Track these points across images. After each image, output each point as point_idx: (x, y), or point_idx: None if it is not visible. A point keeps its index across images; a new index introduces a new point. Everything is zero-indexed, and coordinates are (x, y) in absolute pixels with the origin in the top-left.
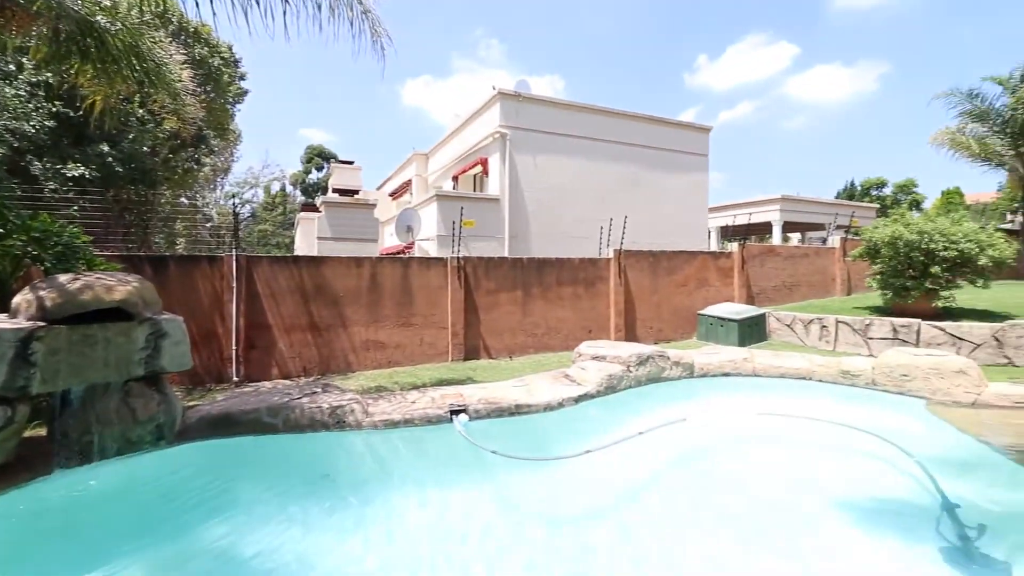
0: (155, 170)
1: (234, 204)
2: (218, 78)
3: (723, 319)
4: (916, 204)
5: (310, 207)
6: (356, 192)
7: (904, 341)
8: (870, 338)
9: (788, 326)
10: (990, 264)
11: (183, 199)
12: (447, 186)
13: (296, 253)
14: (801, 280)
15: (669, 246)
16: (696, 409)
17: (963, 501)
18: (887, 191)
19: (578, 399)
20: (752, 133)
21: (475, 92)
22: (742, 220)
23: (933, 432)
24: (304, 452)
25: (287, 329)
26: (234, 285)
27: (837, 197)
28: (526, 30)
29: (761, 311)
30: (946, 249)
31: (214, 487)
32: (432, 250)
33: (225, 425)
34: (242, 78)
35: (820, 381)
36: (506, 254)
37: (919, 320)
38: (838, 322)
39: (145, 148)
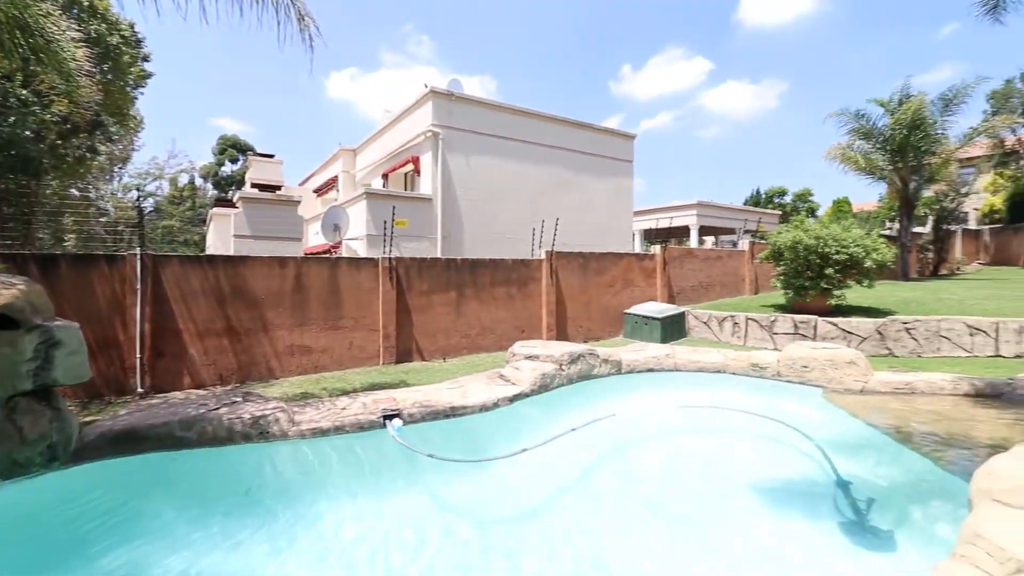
0: (40, 158)
1: (138, 197)
2: (117, 58)
3: (647, 317)
4: (812, 211)
5: (225, 202)
6: (278, 188)
7: (804, 335)
8: (775, 333)
9: (705, 323)
10: (874, 266)
11: (74, 190)
12: (377, 184)
13: (209, 252)
14: (715, 280)
15: (597, 248)
16: (625, 404)
17: (855, 479)
18: (788, 199)
19: (513, 399)
20: (671, 141)
21: (405, 88)
22: (664, 224)
23: (829, 417)
24: (224, 467)
25: (200, 335)
26: (139, 287)
27: (745, 203)
28: (458, 29)
29: (681, 309)
30: (838, 253)
31: (122, 511)
32: (361, 250)
33: (130, 442)
34: (146, 59)
35: (733, 374)
36: (439, 255)
37: (816, 316)
38: (748, 319)
39: (28, 133)
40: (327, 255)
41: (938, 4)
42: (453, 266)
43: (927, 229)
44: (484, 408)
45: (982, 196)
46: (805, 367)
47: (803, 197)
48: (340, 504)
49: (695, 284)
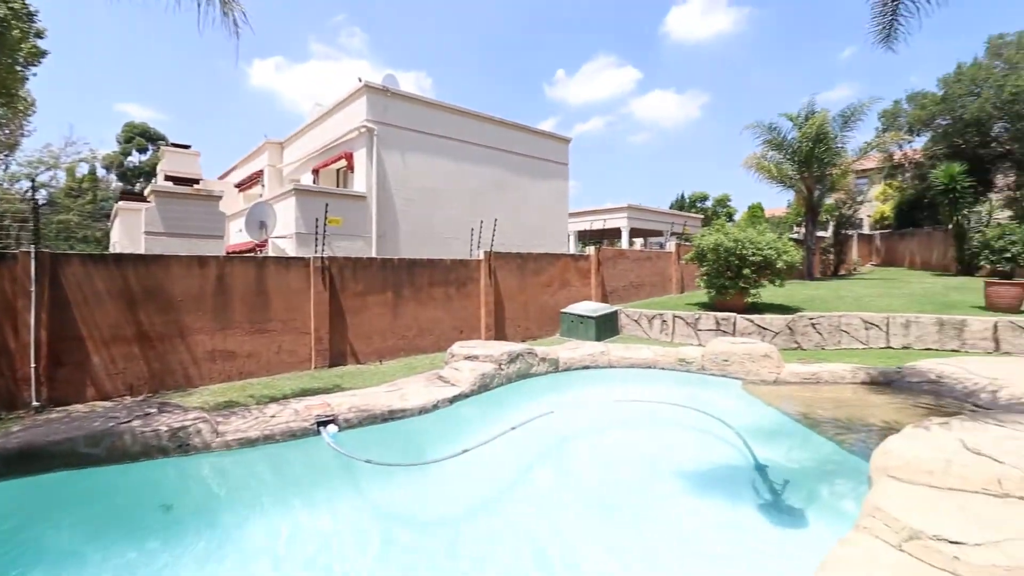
0: None
1: (30, 188)
2: (4, 32)
3: (583, 316)
4: (730, 216)
5: (134, 196)
6: (196, 181)
7: (725, 332)
8: (699, 330)
9: (636, 321)
10: (785, 267)
11: None
12: (306, 180)
13: (116, 250)
14: (645, 280)
15: (534, 248)
16: (562, 401)
17: (771, 462)
18: (709, 203)
19: (453, 400)
20: (603, 145)
21: (336, 81)
22: (597, 225)
23: (747, 407)
24: (140, 485)
25: (107, 341)
26: (32, 289)
27: (671, 207)
28: (392, 23)
29: (614, 308)
30: (754, 255)
31: (19, 539)
32: (290, 249)
33: (27, 461)
34: (39, 35)
35: (662, 369)
36: (374, 254)
37: (735, 313)
38: (675, 317)
39: None
40: (252, 254)
41: (839, 28)
42: (390, 266)
43: (828, 233)
44: (424, 410)
45: (874, 204)
46: (726, 361)
47: (722, 202)
48: (273, 517)
49: (627, 284)
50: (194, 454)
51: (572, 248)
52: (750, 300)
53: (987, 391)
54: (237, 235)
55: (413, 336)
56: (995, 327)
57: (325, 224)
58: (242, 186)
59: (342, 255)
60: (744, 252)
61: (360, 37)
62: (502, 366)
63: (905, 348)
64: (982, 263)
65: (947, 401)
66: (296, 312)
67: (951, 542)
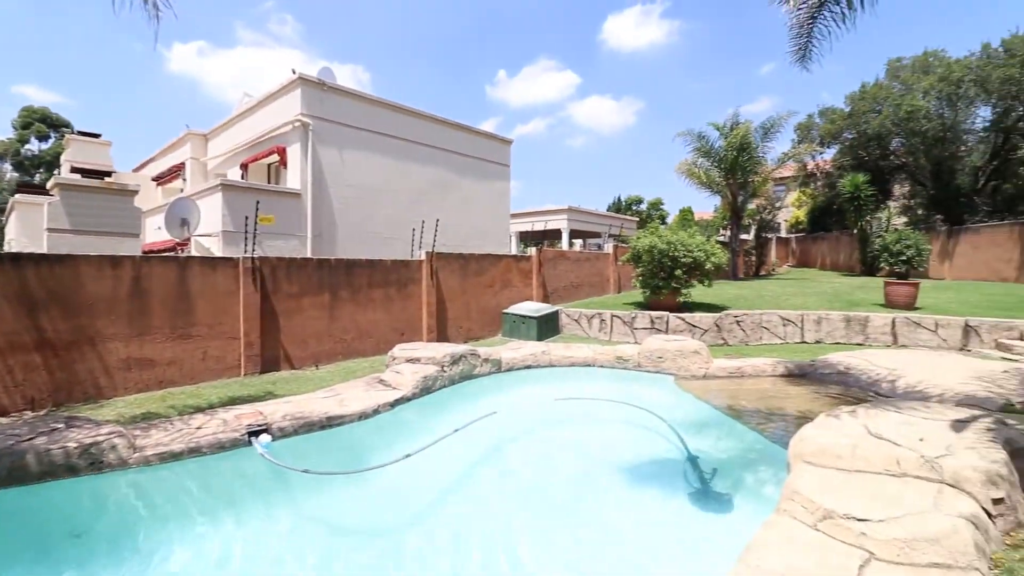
0: None
1: None
2: None
3: (524, 316)
4: (663, 219)
5: (33, 188)
6: (108, 174)
7: (659, 330)
8: (635, 328)
9: (576, 321)
10: (713, 268)
11: None
12: (234, 175)
13: (12, 248)
14: (584, 281)
15: (477, 249)
16: (505, 401)
17: (701, 453)
18: (643, 206)
19: (394, 404)
20: (544, 147)
21: (267, 70)
22: (538, 227)
23: (679, 401)
24: (46, 508)
25: (2, 351)
26: None
27: (608, 209)
28: (328, 12)
29: (555, 308)
30: (685, 256)
31: None
32: (216, 248)
33: None
34: None
35: (601, 367)
36: (309, 254)
37: (668, 312)
38: (612, 316)
39: None
40: (173, 253)
41: (760, 45)
42: (326, 266)
43: (751, 236)
44: (364, 416)
45: (790, 210)
46: (660, 358)
47: (656, 206)
48: (202, 537)
49: (567, 284)
50: (109, 472)
51: (514, 249)
52: (682, 299)
53: (887, 381)
54: (155, 233)
55: (352, 339)
56: (893, 323)
57: (256, 222)
58: (161, 180)
59: (275, 255)
60: (676, 254)
61: (293, 26)
62: (445, 368)
63: (818, 342)
64: (882, 264)
65: (854, 390)
66: (224, 315)
67: (858, 519)
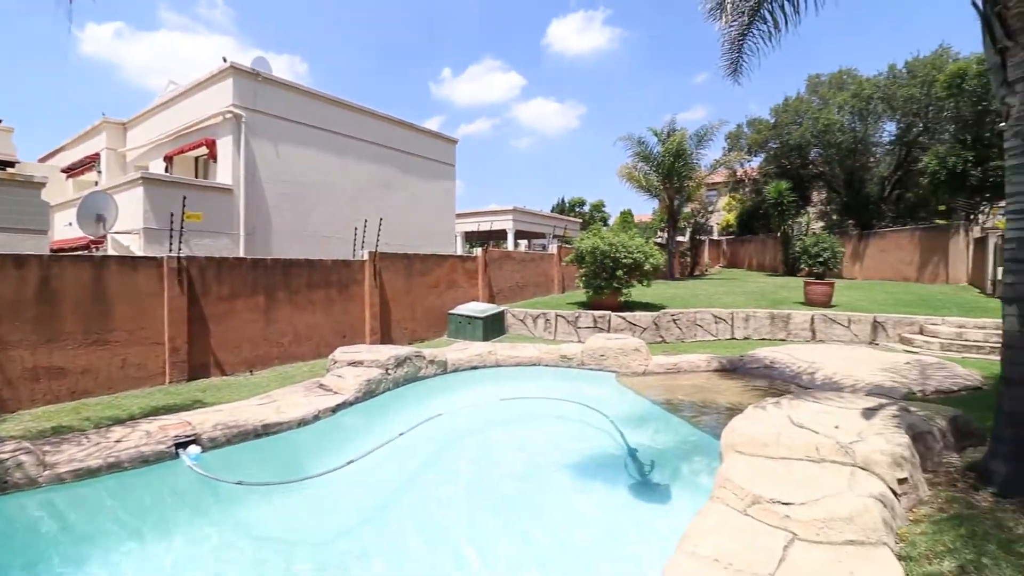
0: None
1: None
2: None
3: (470, 317)
4: (604, 221)
5: None
6: (11, 163)
7: (601, 328)
8: (579, 327)
9: (521, 320)
10: (651, 268)
11: None
12: (157, 167)
13: None
14: (530, 281)
15: (421, 249)
16: (451, 403)
17: (640, 446)
18: (586, 208)
19: (336, 409)
20: (489, 147)
21: (196, 57)
22: (484, 227)
23: (620, 397)
24: None
25: None
26: None
27: (552, 211)
28: None
29: (501, 308)
30: (626, 258)
31: None
32: (136, 247)
33: None
34: None
35: (546, 366)
36: (242, 253)
37: (610, 311)
38: (557, 316)
39: None
40: (87, 252)
41: (696, 56)
42: (262, 267)
43: (686, 238)
44: (303, 422)
45: (721, 214)
46: (602, 356)
47: (598, 208)
48: (125, 557)
49: (512, 284)
50: (16, 492)
51: (459, 249)
52: (623, 299)
53: (807, 373)
54: (65, 230)
55: (289, 343)
56: (812, 319)
57: (183, 219)
58: (72, 171)
59: (203, 254)
60: (618, 255)
61: (223, 10)
62: (389, 370)
63: (746, 338)
64: (802, 265)
65: (778, 383)
66: (146, 320)
67: (783, 503)
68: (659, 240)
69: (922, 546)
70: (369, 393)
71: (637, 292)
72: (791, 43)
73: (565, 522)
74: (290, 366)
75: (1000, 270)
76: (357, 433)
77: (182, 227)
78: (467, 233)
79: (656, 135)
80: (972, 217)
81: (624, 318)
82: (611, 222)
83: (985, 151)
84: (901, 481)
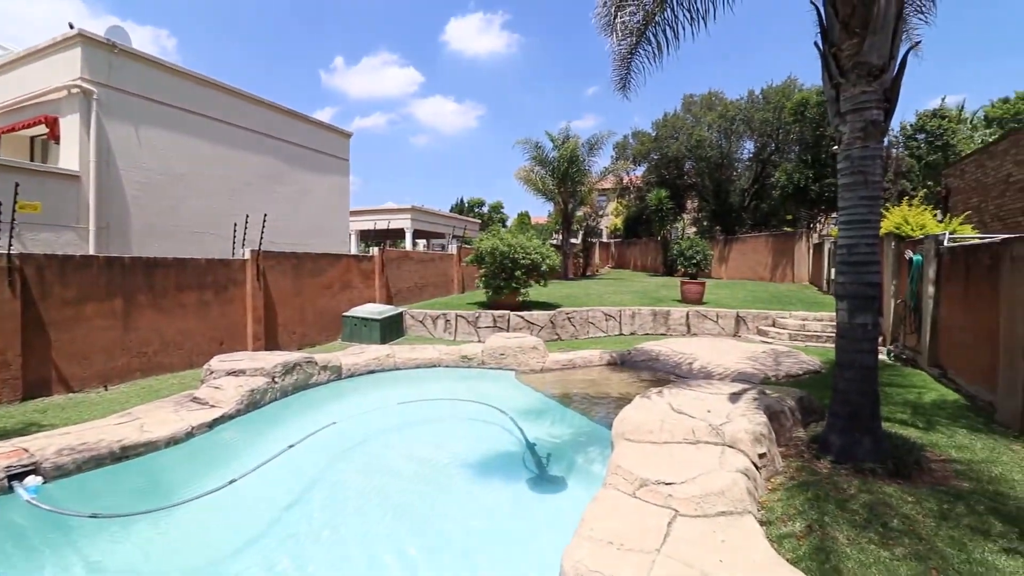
0: None
1: None
2: None
3: (366, 319)
4: (503, 222)
5: None
6: None
7: (501, 328)
8: (479, 327)
9: (420, 322)
10: (548, 269)
11: None
12: None
13: None
14: (429, 281)
15: (313, 248)
16: (346, 409)
17: (539, 439)
18: (485, 209)
19: (213, 423)
20: (386, 143)
21: (30, 16)
22: (381, 225)
23: (519, 394)
24: None
25: None
26: None
27: (451, 210)
28: None
29: (399, 310)
30: (524, 258)
31: None
32: None
33: None
34: None
35: (447, 367)
36: (92, 250)
37: (509, 311)
38: (457, 316)
39: None
40: None
41: (587, 69)
42: (118, 266)
43: (579, 240)
44: (174, 441)
45: (610, 218)
46: (502, 355)
47: (497, 209)
48: None
49: (411, 285)
50: None
51: (354, 248)
52: (521, 299)
53: (685, 364)
54: None
55: (154, 352)
56: (687, 315)
57: (14, 210)
58: None
59: (42, 251)
60: (516, 256)
61: None
62: (276, 379)
63: (632, 334)
64: (679, 266)
65: (660, 374)
66: None
67: (666, 483)
68: (554, 242)
69: (778, 511)
70: (253, 404)
71: (535, 292)
72: (673, 64)
73: (465, 520)
74: (156, 378)
75: (833, 271)
76: (239, 449)
77: (13, 219)
78: (362, 232)
79: (552, 140)
80: (812, 226)
81: (523, 317)
82: (509, 223)
83: (823, 170)
84: (761, 456)
